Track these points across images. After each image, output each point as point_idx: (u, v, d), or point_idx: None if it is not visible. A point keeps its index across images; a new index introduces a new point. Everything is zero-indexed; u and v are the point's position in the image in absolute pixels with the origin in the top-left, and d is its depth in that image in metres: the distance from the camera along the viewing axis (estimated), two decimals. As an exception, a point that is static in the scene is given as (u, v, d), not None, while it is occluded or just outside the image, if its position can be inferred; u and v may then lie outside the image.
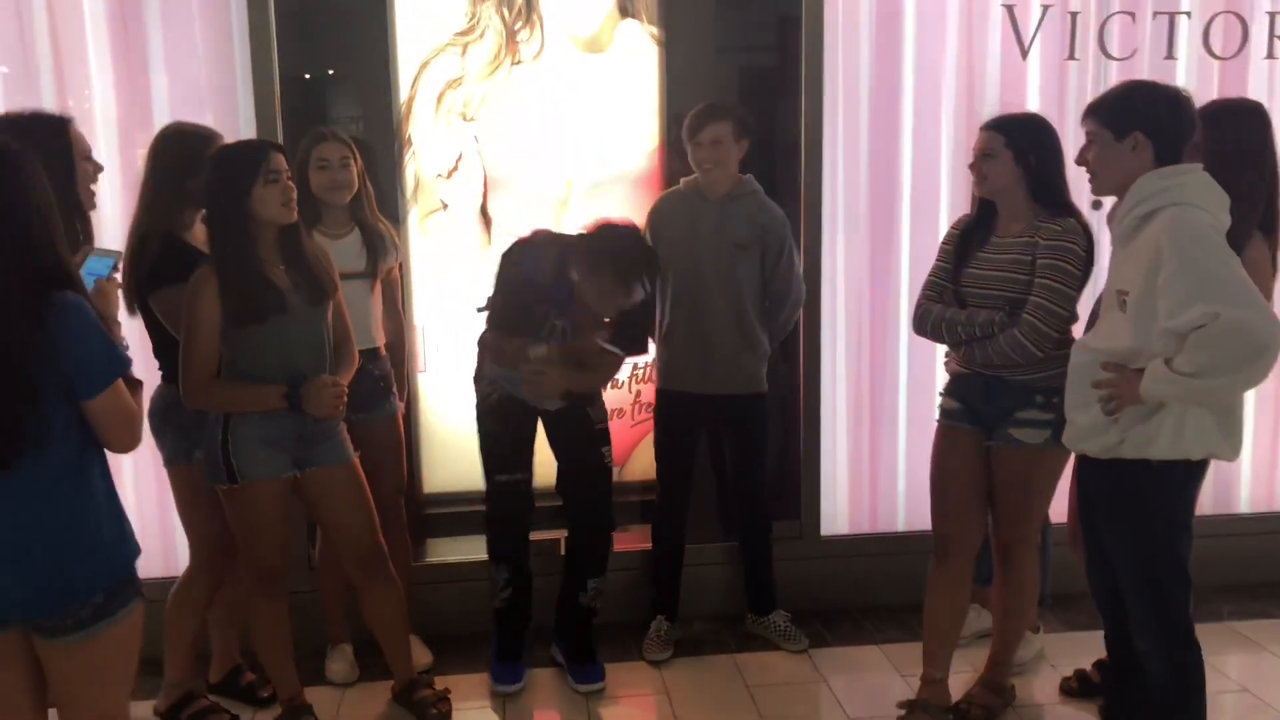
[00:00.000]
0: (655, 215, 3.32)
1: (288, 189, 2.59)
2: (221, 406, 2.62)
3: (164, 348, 2.75)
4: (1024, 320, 2.61)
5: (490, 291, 3.04)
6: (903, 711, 2.90)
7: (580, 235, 3.00)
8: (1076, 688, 3.07)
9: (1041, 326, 2.60)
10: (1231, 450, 2.29)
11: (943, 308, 2.78)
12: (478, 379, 3.15)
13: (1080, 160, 2.38)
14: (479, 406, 3.15)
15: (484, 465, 3.17)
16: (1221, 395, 2.19)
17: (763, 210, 3.26)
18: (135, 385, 1.91)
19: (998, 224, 2.75)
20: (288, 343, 2.63)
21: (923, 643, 2.92)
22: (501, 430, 3.11)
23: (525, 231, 3.08)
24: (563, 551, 3.35)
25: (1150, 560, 2.32)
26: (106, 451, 1.90)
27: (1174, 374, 2.12)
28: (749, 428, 3.35)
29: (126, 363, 1.88)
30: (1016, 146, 2.65)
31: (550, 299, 2.97)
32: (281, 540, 2.74)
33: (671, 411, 3.37)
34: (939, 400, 2.92)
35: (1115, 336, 2.28)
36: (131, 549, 1.95)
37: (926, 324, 2.81)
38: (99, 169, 2.56)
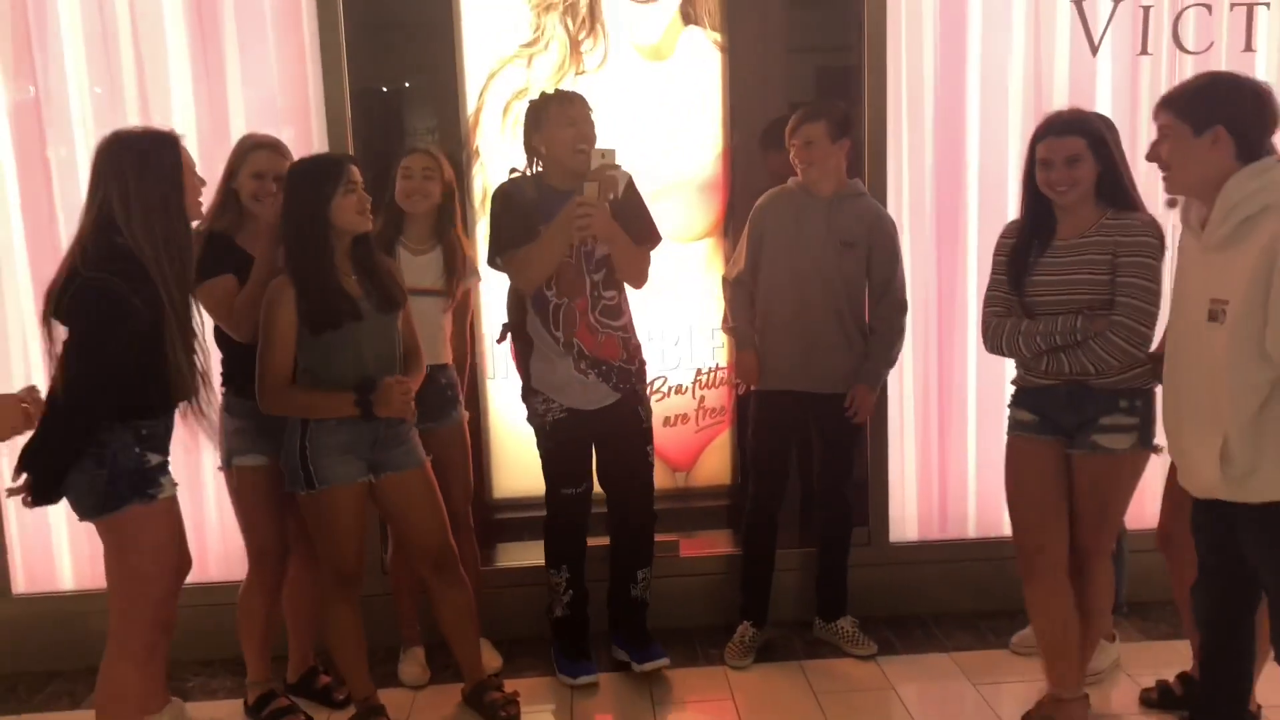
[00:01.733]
0: (760, 211, 3.30)
1: (364, 199, 2.71)
2: (296, 411, 2.70)
3: (223, 350, 2.86)
4: (1116, 322, 2.54)
5: (490, 240, 3.11)
6: None
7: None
8: (1156, 699, 2.97)
9: (1137, 326, 2.53)
10: None
11: (1015, 320, 2.67)
12: (526, 395, 3.20)
13: (1152, 156, 2.27)
14: (535, 424, 3.20)
15: (547, 479, 3.23)
16: None
17: (871, 212, 3.26)
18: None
19: (1059, 228, 2.65)
20: (360, 350, 2.71)
21: (1044, 662, 2.84)
22: (561, 447, 3.17)
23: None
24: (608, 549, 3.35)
25: None
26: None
27: None
28: (844, 426, 3.32)
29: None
30: (1096, 146, 2.58)
31: (541, 212, 3.02)
32: (359, 544, 2.81)
33: (769, 411, 3.35)
34: (1008, 412, 2.83)
35: (1211, 352, 2.14)
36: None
37: (1000, 340, 2.69)
38: (203, 183, 2.64)
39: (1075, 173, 2.57)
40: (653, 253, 3.17)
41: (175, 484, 2.46)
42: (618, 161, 2.96)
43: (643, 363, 3.23)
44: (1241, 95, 2.17)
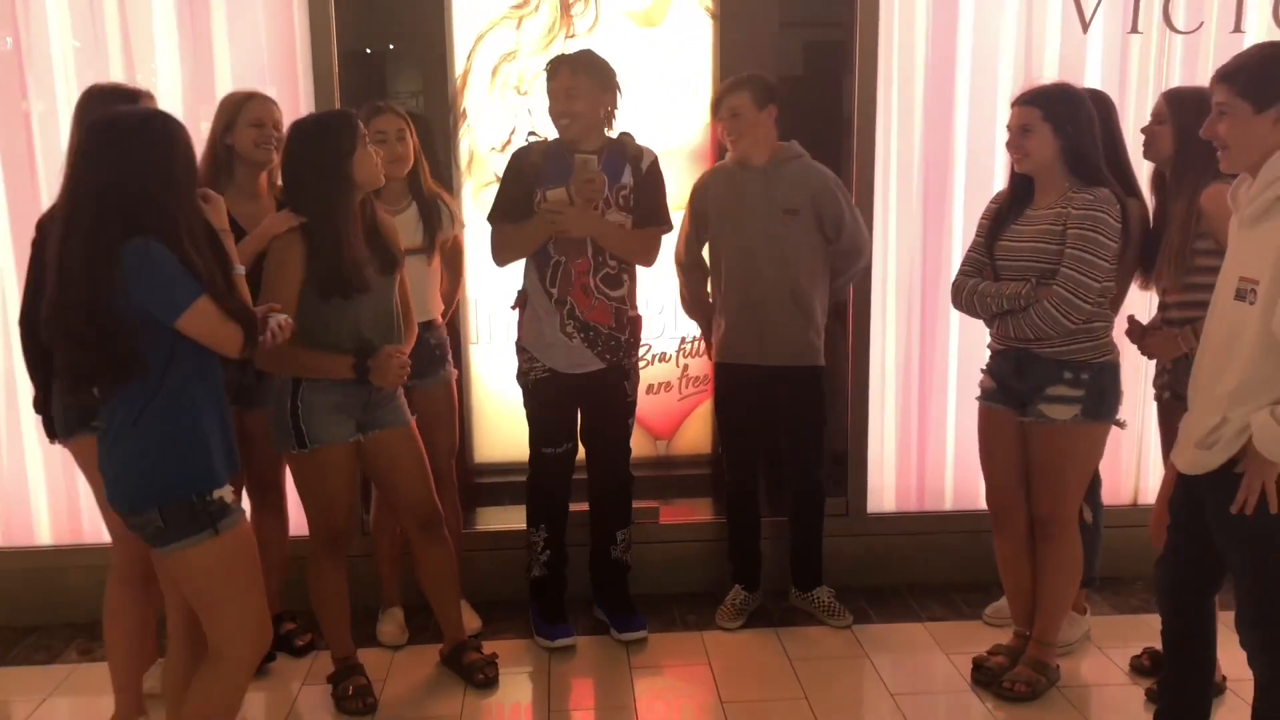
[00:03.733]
0: (700, 190, 3.32)
1: (378, 151, 2.69)
2: (292, 370, 2.67)
3: None
4: (1054, 290, 2.64)
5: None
6: (992, 655, 3.03)
7: None
8: (1148, 665, 3.02)
9: (1071, 297, 2.61)
10: None
11: (977, 280, 2.83)
12: (518, 349, 3.22)
13: (1209, 133, 2.15)
14: (520, 381, 3.23)
15: (531, 437, 3.25)
16: None
17: (810, 173, 3.24)
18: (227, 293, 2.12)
19: (1034, 197, 2.76)
20: (359, 314, 2.68)
21: (1008, 604, 3.09)
22: (546, 406, 3.19)
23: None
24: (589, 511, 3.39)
25: (1270, 562, 2.15)
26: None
27: None
28: (804, 402, 3.34)
29: (195, 292, 2.04)
30: (1055, 119, 2.65)
31: (549, 177, 3.04)
32: (348, 503, 2.82)
33: (729, 386, 3.39)
34: (980, 378, 2.95)
35: (1238, 331, 2.09)
36: (181, 484, 2.11)
37: (961, 297, 2.87)
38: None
39: (1026, 142, 2.68)
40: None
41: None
42: (599, 170, 3.00)
43: (636, 336, 3.23)
44: None
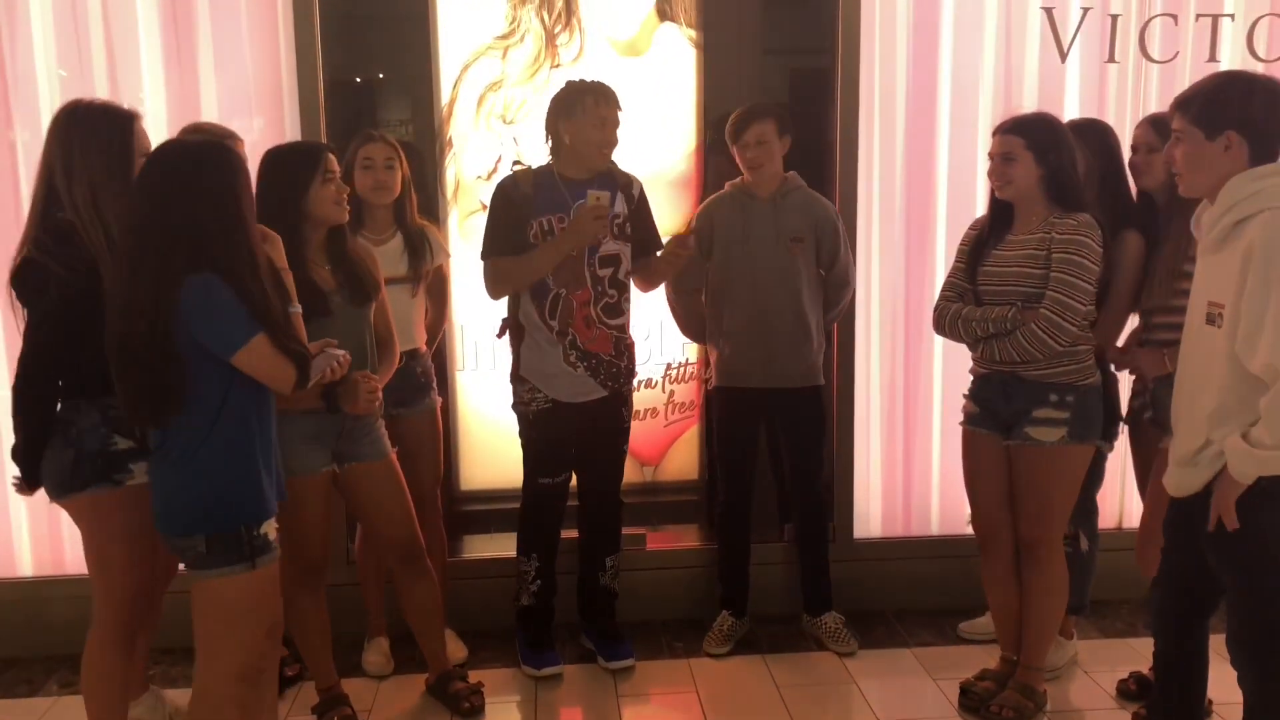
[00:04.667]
0: (706, 218, 3.34)
1: (341, 188, 2.68)
2: None
3: None
4: (1041, 315, 2.68)
5: (484, 243, 3.13)
6: (979, 680, 3.04)
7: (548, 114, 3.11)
8: (1135, 689, 3.03)
9: (1058, 320, 2.66)
10: None
11: (960, 305, 2.86)
12: (514, 380, 3.20)
13: (1166, 159, 2.27)
14: (518, 411, 3.21)
15: (527, 467, 3.24)
16: None
17: (814, 203, 3.31)
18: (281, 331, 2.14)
19: (1014, 224, 2.80)
20: None
21: (995, 628, 3.09)
22: (547, 438, 3.18)
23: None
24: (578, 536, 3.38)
25: (1266, 583, 2.16)
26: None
27: (1259, 450, 2.03)
28: (808, 420, 3.37)
29: (253, 329, 2.08)
30: (1038, 147, 2.70)
31: (543, 206, 3.05)
32: (323, 534, 2.80)
33: (732, 408, 3.39)
34: (963, 403, 2.98)
35: (1211, 355, 2.15)
36: (233, 514, 2.14)
37: (944, 322, 2.89)
38: None
39: (1008, 170, 2.73)
40: None
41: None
42: (612, 207, 3.04)
43: (633, 362, 3.26)
44: (1254, 97, 2.11)
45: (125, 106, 2.43)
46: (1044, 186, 2.72)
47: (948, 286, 2.93)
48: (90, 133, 2.31)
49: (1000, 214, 2.83)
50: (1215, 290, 2.13)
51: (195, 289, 2.04)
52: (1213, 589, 2.32)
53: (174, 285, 2.03)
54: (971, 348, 2.89)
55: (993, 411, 2.85)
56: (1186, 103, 2.18)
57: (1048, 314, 2.66)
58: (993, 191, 2.83)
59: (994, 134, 2.79)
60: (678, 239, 3.15)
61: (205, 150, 2.17)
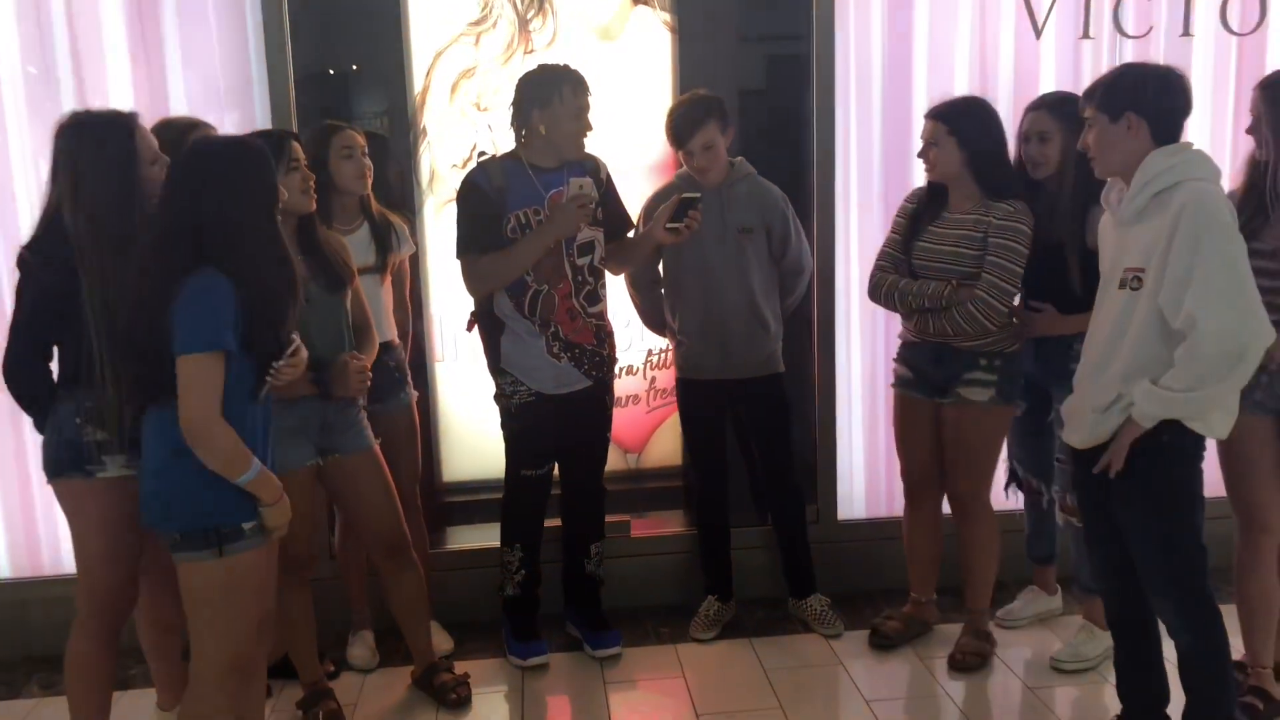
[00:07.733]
0: (653, 209, 3.30)
1: (307, 176, 2.66)
2: None
3: None
4: (977, 295, 2.86)
5: (455, 232, 3.09)
6: (887, 619, 3.31)
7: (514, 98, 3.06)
8: None
9: (994, 301, 2.85)
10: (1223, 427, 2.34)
11: (896, 277, 3.03)
12: (494, 373, 3.18)
13: (1081, 144, 2.42)
14: (500, 403, 3.19)
15: (509, 459, 3.22)
16: (1216, 402, 2.26)
17: (761, 192, 3.28)
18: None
19: (950, 201, 2.97)
20: (307, 332, 2.64)
21: (909, 570, 3.33)
22: (530, 430, 3.16)
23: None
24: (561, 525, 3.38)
25: (1171, 532, 2.34)
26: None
27: (1166, 391, 2.23)
28: (771, 409, 3.38)
29: (210, 344, 2.05)
30: (960, 133, 2.86)
31: (518, 197, 3.02)
32: (308, 529, 2.78)
33: (694, 400, 3.40)
34: (893, 366, 3.20)
35: (1125, 317, 2.33)
36: (210, 506, 2.12)
37: (880, 292, 3.06)
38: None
39: (931, 154, 2.92)
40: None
41: (129, 468, 2.38)
42: (593, 193, 3.00)
43: (614, 350, 3.25)
44: (1147, 82, 2.32)
45: (126, 111, 2.40)
46: (970, 169, 2.89)
47: (883, 257, 3.09)
48: (97, 146, 2.30)
49: (937, 191, 3.00)
50: (1133, 258, 2.31)
51: (198, 281, 2.05)
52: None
53: (182, 274, 2.05)
54: (905, 318, 3.08)
55: (924, 375, 3.06)
56: (1092, 91, 2.38)
57: (984, 295, 2.85)
58: None
59: (924, 118, 2.95)
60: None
61: (237, 149, 2.19)
